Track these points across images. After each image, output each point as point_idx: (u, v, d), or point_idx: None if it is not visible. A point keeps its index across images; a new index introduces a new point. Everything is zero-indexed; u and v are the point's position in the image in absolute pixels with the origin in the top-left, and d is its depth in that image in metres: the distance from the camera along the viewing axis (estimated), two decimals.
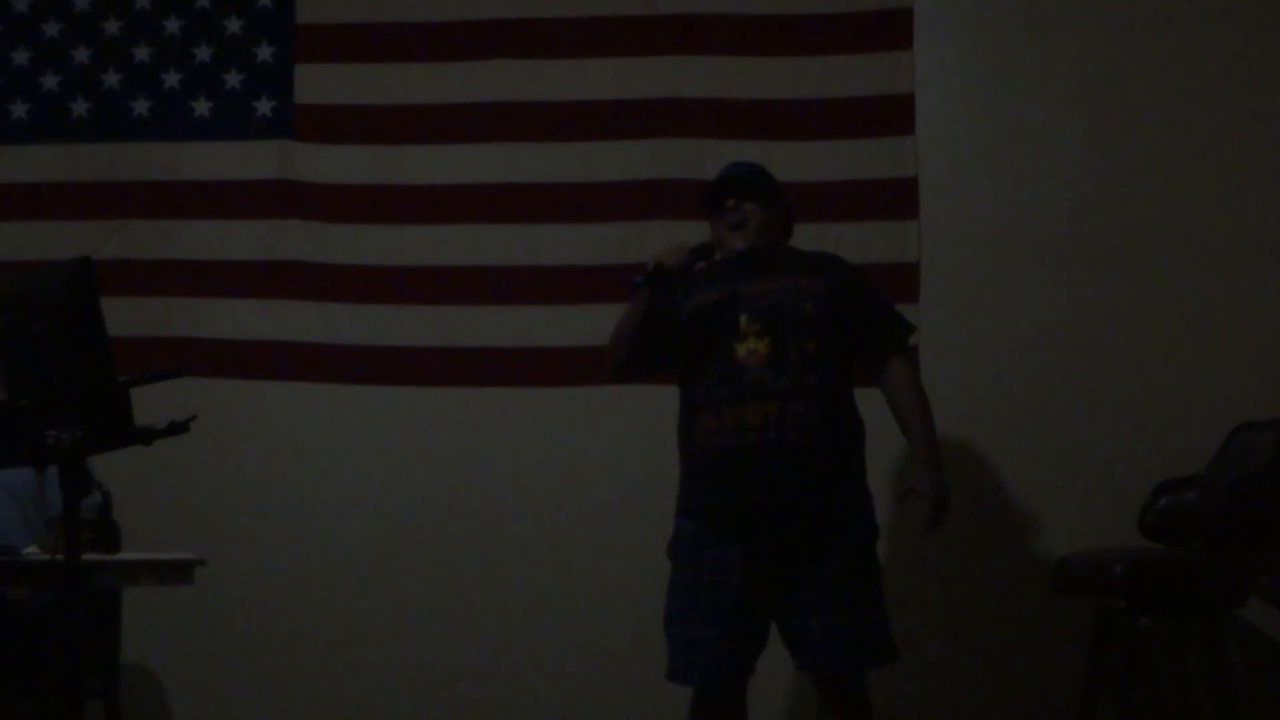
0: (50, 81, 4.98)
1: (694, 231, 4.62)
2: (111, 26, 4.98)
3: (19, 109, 4.99)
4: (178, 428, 2.94)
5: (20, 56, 5.00)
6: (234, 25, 4.94)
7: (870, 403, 3.53)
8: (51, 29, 5.00)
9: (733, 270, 3.51)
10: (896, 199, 4.63)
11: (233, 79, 4.93)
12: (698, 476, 3.43)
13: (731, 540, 3.35)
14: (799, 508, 3.32)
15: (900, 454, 4.04)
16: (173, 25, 4.96)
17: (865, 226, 4.62)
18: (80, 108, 4.97)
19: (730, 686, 3.39)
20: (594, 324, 4.49)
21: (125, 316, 4.65)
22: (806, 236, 4.30)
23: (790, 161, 4.62)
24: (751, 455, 3.32)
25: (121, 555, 3.72)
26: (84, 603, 3.11)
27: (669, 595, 3.44)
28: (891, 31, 4.69)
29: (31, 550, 3.72)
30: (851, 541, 3.35)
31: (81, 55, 4.98)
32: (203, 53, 4.95)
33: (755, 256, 3.52)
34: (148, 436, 2.94)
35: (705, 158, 4.60)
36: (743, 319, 3.40)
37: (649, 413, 4.54)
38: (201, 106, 4.94)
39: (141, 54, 4.97)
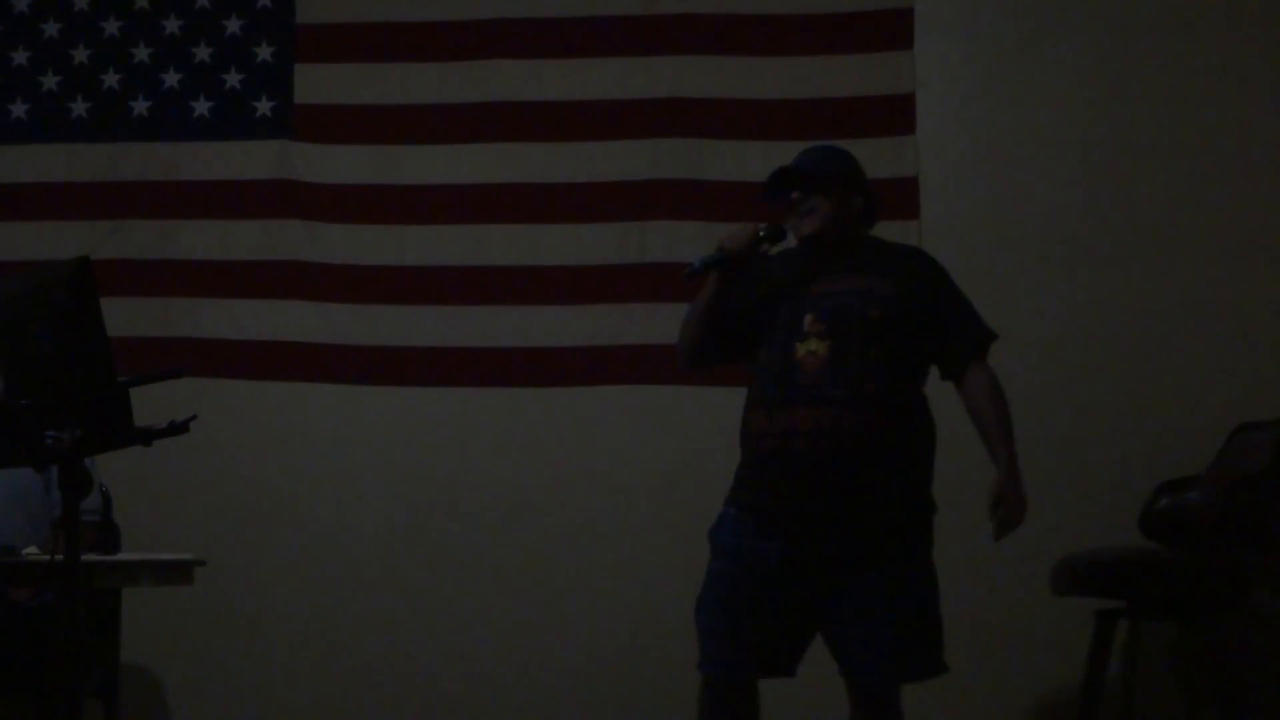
0: (50, 81, 4.98)
1: (692, 231, 4.62)
2: (111, 26, 4.98)
3: (19, 109, 4.98)
4: (178, 428, 2.94)
5: (20, 56, 5.00)
6: (234, 25, 4.94)
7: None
8: (51, 29, 5.00)
9: (806, 261, 3.34)
10: (896, 199, 4.61)
11: (232, 79, 4.93)
12: (746, 474, 3.29)
13: (773, 535, 3.20)
14: (844, 518, 3.18)
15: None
16: (172, 25, 4.96)
17: None
18: (80, 108, 4.97)
19: (732, 679, 3.23)
20: (594, 324, 4.49)
21: (125, 316, 4.65)
22: None
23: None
24: (797, 462, 3.17)
25: (121, 555, 3.72)
26: (84, 603, 3.10)
27: (704, 581, 3.28)
28: (891, 31, 4.69)
29: (31, 550, 3.72)
30: (901, 551, 3.21)
31: (81, 55, 4.98)
32: (202, 53, 4.95)
33: (829, 247, 3.33)
34: (148, 436, 2.93)
35: (705, 158, 4.60)
36: (808, 318, 3.23)
37: (649, 414, 4.55)
38: (201, 106, 4.94)
39: (141, 54, 4.96)
